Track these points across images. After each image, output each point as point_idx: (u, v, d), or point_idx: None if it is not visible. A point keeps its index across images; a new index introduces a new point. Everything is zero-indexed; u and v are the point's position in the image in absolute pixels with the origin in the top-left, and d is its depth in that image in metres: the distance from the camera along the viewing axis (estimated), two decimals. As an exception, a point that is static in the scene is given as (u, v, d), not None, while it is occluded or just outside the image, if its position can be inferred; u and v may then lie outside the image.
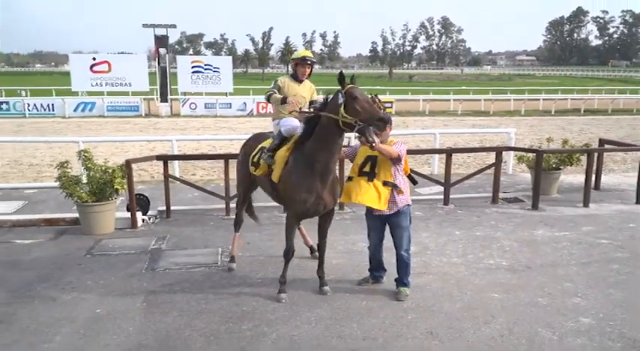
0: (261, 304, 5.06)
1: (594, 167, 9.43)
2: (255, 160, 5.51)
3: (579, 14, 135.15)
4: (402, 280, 5.30)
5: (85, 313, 4.89)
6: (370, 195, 4.95)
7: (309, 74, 5.80)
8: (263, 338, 4.40)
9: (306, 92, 5.78)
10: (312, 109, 5.31)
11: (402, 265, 5.27)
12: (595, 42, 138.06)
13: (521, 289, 5.45)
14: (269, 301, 5.10)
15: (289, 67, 6.22)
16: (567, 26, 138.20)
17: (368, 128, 4.48)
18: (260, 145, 5.59)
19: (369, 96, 4.83)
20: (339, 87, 4.68)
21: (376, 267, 5.54)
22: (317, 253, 5.71)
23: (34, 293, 5.36)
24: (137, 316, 4.83)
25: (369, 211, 5.25)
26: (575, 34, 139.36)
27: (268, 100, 5.69)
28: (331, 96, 4.83)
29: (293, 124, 5.29)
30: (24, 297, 5.27)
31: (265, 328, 4.58)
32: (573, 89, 43.77)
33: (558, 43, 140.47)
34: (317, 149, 4.83)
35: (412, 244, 5.45)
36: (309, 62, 5.70)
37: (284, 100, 5.43)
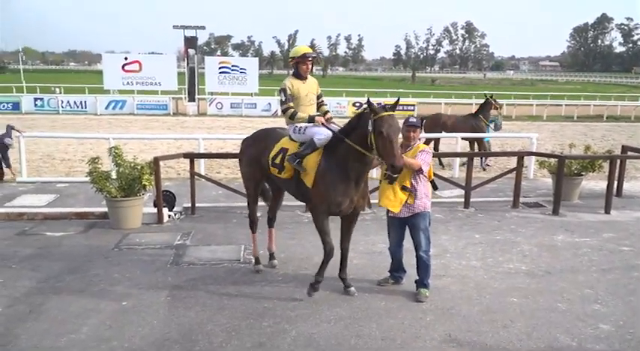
0: (281, 301, 5.16)
1: (616, 174, 9.32)
2: (278, 162, 5.40)
3: (604, 21, 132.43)
4: (422, 282, 5.36)
5: (112, 305, 5.06)
6: (387, 197, 5.13)
7: (311, 70, 5.62)
8: (283, 335, 4.50)
9: (313, 89, 5.62)
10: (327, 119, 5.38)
11: (422, 266, 5.33)
12: (619, 49, 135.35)
13: (540, 294, 5.45)
14: (290, 299, 5.21)
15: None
16: (591, 32, 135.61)
17: (382, 163, 4.80)
18: (278, 146, 5.49)
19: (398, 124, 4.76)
20: (373, 112, 4.65)
21: (396, 268, 5.60)
22: (275, 262, 6.02)
23: (63, 284, 5.57)
24: (161, 309, 4.98)
25: (389, 212, 5.35)
26: (600, 41, 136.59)
27: (292, 118, 5.38)
28: (363, 114, 4.81)
29: (326, 134, 5.17)
30: (53, 287, 5.48)
31: (285, 325, 4.68)
32: (596, 95, 42.85)
33: (582, 49, 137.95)
34: (349, 160, 4.90)
35: (432, 247, 5.49)
36: (309, 59, 5.49)
37: (311, 119, 5.31)
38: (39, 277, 5.76)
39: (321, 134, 5.16)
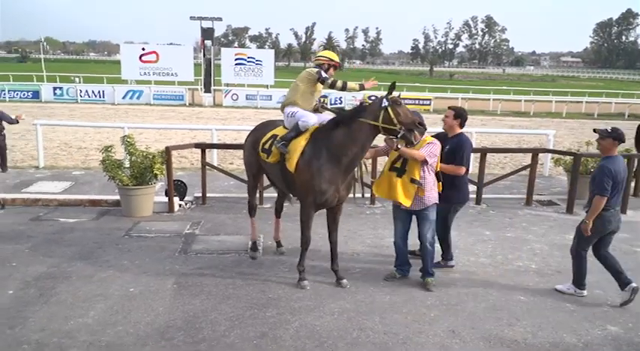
0: (286, 292, 5.19)
1: (633, 173, 9.16)
2: (267, 146, 5.56)
3: (629, 16, 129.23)
4: (427, 271, 5.40)
5: (119, 291, 5.13)
6: (397, 191, 5.14)
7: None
8: (285, 326, 4.52)
9: (321, 87, 5.73)
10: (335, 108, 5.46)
11: (427, 255, 5.37)
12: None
13: (548, 293, 5.40)
14: (294, 290, 5.23)
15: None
16: (615, 28, 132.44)
17: (410, 133, 4.89)
18: (271, 133, 5.63)
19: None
20: (385, 93, 4.98)
21: (402, 262, 5.60)
22: (283, 249, 6.14)
23: (73, 269, 5.66)
24: (167, 296, 5.04)
25: (396, 204, 5.36)
26: (624, 37, 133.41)
27: (343, 88, 5.41)
28: (369, 101, 5.07)
29: (311, 121, 5.30)
30: (64, 272, 5.57)
31: (289, 316, 4.70)
32: (618, 93, 42.15)
33: (605, 45, 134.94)
34: (348, 144, 4.97)
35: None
36: (339, 66, 5.78)
37: (362, 87, 5.46)
38: (50, 261, 5.85)
39: (307, 118, 5.30)
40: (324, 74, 5.46)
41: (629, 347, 4.39)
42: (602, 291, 5.48)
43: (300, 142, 5.19)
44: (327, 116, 5.48)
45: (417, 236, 5.42)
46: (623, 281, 5.19)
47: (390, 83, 5.07)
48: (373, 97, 31.31)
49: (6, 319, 4.52)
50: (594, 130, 5.22)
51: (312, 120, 5.31)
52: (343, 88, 5.43)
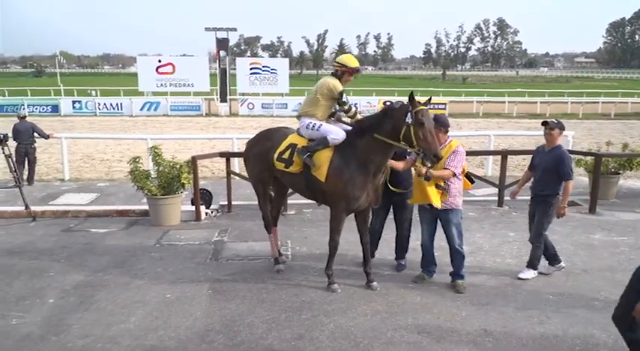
0: (318, 295, 5.30)
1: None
2: (286, 157, 5.46)
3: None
4: (457, 273, 5.50)
5: (157, 298, 5.29)
6: (428, 194, 5.26)
7: None
8: (321, 327, 4.63)
9: None
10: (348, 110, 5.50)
11: (457, 258, 5.47)
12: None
13: (577, 291, 5.44)
14: (326, 294, 5.34)
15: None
16: (629, 28, 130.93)
17: (426, 158, 4.84)
18: (287, 142, 5.54)
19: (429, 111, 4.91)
20: (408, 104, 4.83)
21: (427, 262, 5.72)
22: (284, 257, 6.10)
23: (110, 277, 5.83)
24: (204, 301, 5.18)
25: (421, 206, 5.51)
26: (637, 36, 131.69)
27: (352, 118, 5.47)
28: (394, 107, 4.98)
29: (340, 137, 5.26)
30: (101, 280, 5.75)
31: (323, 318, 4.81)
32: (634, 92, 41.71)
33: (619, 44, 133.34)
34: (372, 151, 5.06)
35: (466, 245, 5.62)
36: (358, 72, 5.63)
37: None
38: (87, 270, 6.04)
39: (337, 135, 5.25)
40: (345, 98, 5.45)
41: (660, 343, 4.42)
42: (630, 289, 5.50)
43: (327, 153, 5.23)
44: (347, 127, 5.48)
45: (447, 241, 5.52)
46: (555, 259, 5.92)
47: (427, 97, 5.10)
48: (388, 103, 31.43)
49: (50, 326, 4.69)
50: (543, 123, 5.69)
51: (341, 135, 5.26)
52: (352, 116, 5.45)
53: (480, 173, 10.80)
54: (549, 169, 5.60)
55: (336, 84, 5.42)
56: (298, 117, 5.70)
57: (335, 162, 5.19)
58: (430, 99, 5.39)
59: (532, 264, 5.84)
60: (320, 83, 5.52)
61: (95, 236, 7.40)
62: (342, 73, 5.49)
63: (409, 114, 4.77)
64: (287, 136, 5.68)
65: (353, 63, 5.54)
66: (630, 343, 3.84)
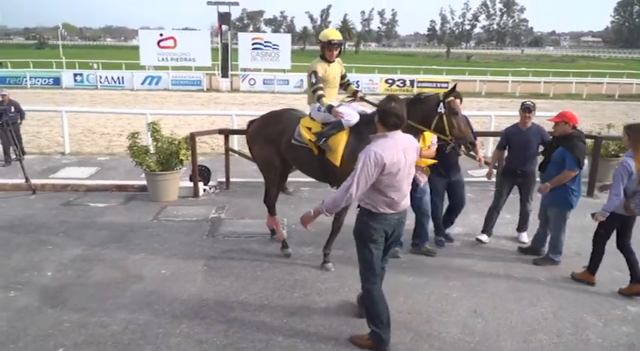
0: (312, 274, 5.37)
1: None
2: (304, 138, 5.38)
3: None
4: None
5: (152, 273, 5.36)
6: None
7: (338, 54, 5.59)
8: (313, 306, 4.71)
9: (338, 71, 5.64)
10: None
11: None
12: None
13: (569, 274, 5.48)
14: (320, 272, 5.41)
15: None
16: (637, 7, 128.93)
17: (459, 146, 4.97)
18: (304, 125, 5.47)
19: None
20: (441, 94, 4.87)
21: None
22: (289, 251, 5.91)
23: (107, 252, 5.90)
24: (198, 277, 5.25)
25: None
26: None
27: (318, 100, 5.37)
28: (424, 98, 4.93)
29: (354, 119, 5.20)
30: (99, 255, 5.82)
31: (315, 296, 4.88)
32: None
33: (627, 24, 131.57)
34: None
35: (461, 226, 5.87)
36: (335, 45, 5.47)
37: (330, 108, 5.24)
38: (85, 245, 6.10)
39: (350, 116, 5.21)
40: (313, 79, 5.40)
41: (649, 327, 4.49)
42: (621, 272, 5.54)
43: (342, 136, 5.16)
44: (364, 109, 5.40)
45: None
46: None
47: (450, 84, 5.06)
48: (390, 80, 31.24)
49: (47, 299, 4.77)
50: (527, 108, 6.19)
51: (355, 118, 5.20)
52: (318, 99, 5.33)
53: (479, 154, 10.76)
54: (533, 145, 6.19)
55: (312, 65, 5.45)
56: (309, 103, 5.65)
57: (351, 144, 5.12)
58: (455, 87, 5.22)
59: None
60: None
61: (94, 210, 7.45)
62: (322, 49, 5.50)
63: (442, 104, 4.77)
64: (298, 119, 5.62)
65: (324, 37, 5.49)
66: None
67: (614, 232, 5.23)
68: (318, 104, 5.42)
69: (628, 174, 4.90)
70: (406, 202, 3.94)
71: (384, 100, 3.87)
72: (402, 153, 3.72)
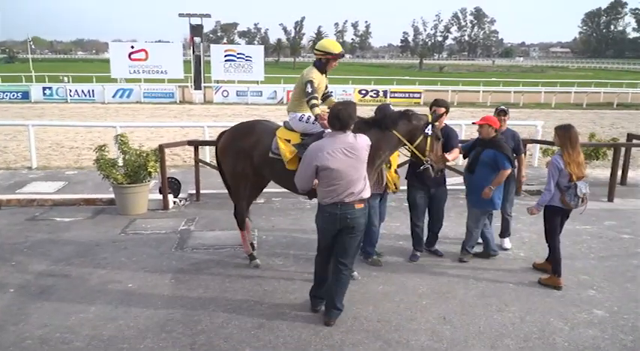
0: (281, 285, 5.32)
1: (621, 162, 9.35)
2: (281, 153, 5.20)
3: (617, 6, 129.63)
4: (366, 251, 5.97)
5: (118, 287, 5.24)
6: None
7: None
8: (282, 316, 4.65)
9: (324, 83, 5.51)
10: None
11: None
12: (633, 34, 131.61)
13: (536, 279, 5.55)
14: (289, 282, 5.36)
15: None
16: (604, 18, 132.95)
17: (432, 168, 5.17)
18: (281, 137, 5.27)
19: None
20: (432, 117, 5.17)
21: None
22: (258, 261, 5.77)
23: (71, 267, 5.76)
24: (166, 291, 5.16)
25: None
26: (612, 26, 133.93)
27: (311, 109, 5.17)
28: (416, 114, 5.12)
29: None
30: (63, 270, 5.68)
31: (284, 307, 4.83)
32: (607, 82, 42.45)
33: (594, 35, 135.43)
34: (384, 144, 5.00)
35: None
36: (341, 57, 5.41)
37: (317, 118, 5.09)
38: (49, 260, 5.95)
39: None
40: (309, 89, 5.15)
41: (614, 330, 4.56)
42: (588, 276, 5.66)
43: None
44: None
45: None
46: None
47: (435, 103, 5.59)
48: (363, 91, 31.51)
49: (9, 316, 4.63)
50: (502, 111, 6.43)
51: None
52: (311, 109, 5.15)
53: (450, 163, 10.88)
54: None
55: (308, 73, 5.25)
56: (288, 112, 5.48)
57: None
58: (447, 111, 5.83)
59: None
60: (300, 77, 5.35)
61: (60, 225, 7.28)
62: (327, 60, 5.32)
63: (431, 126, 5.05)
64: (272, 131, 5.44)
65: (336, 48, 5.34)
66: None
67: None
68: (300, 114, 5.31)
69: (558, 170, 5.23)
70: (352, 197, 4.30)
71: (335, 104, 4.38)
72: (342, 151, 4.21)
